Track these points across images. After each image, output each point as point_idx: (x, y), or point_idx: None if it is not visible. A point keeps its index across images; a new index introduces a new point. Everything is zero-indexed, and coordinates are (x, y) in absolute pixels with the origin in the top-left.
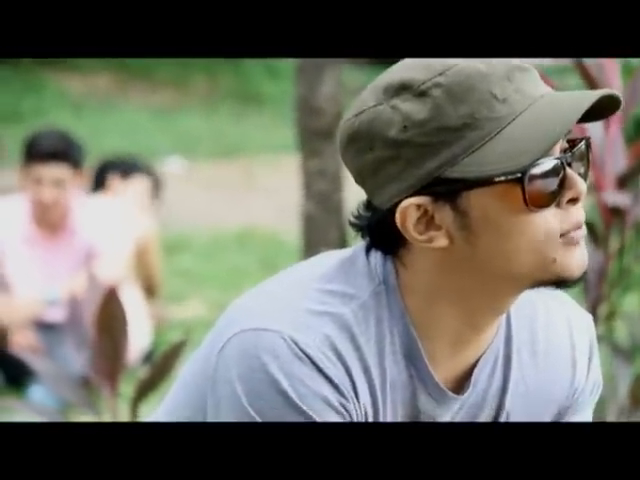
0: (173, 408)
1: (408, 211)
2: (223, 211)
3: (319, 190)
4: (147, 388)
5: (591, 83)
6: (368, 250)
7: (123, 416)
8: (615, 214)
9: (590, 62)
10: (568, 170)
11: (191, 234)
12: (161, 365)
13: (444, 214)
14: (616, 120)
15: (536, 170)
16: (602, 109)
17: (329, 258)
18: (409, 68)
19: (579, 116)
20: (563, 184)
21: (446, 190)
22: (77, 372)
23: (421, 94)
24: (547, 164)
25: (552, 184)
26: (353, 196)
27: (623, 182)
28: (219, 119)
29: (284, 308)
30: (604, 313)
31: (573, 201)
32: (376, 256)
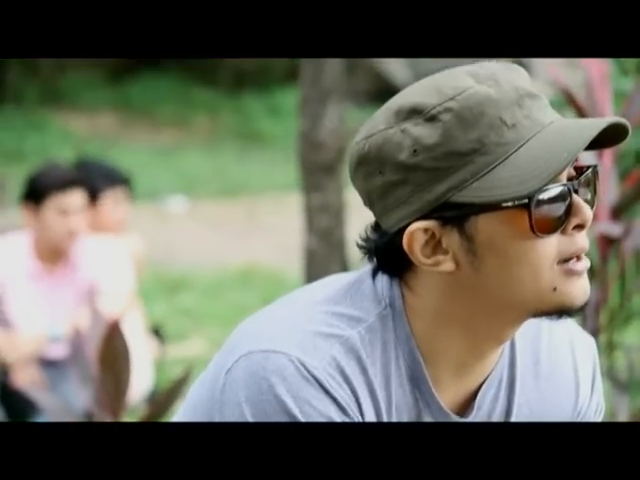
0: None
1: (415, 235)
2: (226, 249)
3: (321, 225)
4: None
5: (582, 115)
6: (374, 273)
7: None
8: (611, 245)
9: (580, 95)
10: (575, 197)
11: (194, 272)
12: (163, 401)
13: (451, 238)
14: (609, 151)
15: (543, 196)
16: (610, 137)
17: (335, 281)
18: (420, 92)
19: (586, 144)
20: (569, 211)
21: (454, 214)
22: (80, 407)
23: (432, 118)
24: (554, 190)
25: (559, 210)
26: (355, 231)
27: (617, 212)
28: (222, 158)
29: (291, 330)
30: (603, 345)
31: (579, 227)
32: (382, 280)
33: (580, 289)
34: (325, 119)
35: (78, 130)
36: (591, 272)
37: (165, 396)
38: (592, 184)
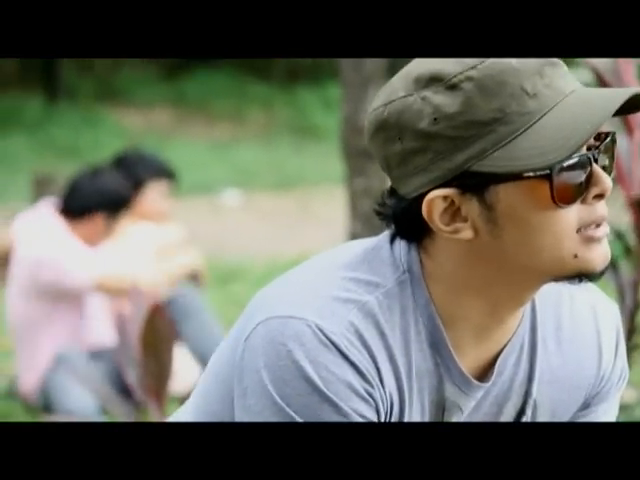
0: (202, 397)
1: (435, 202)
2: (279, 241)
3: (364, 210)
4: None
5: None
6: (392, 239)
7: None
8: None
9: (604, 68)
10: (595, 166)
11: (247, 264)
12: None
13: (471, 207)
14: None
15: (564, 167)
16: (630, 105)
17: (353, 247)
18: (439, 60)
19: (610, 115)
20: (589, 180)
21: (474, 183)
22: (127, 391)
23: (452, 87)
24: (575, 161)
25: (579, 180)
26: None
27: None
28: (276, 151)
29: (309, 296)
30: None
31: (599, 197)
32: (400, 245)
33: (601, 255)
34: (367, 104)
35: (132, 126)
36: (627, 250)
37: None
38: (610, 151)
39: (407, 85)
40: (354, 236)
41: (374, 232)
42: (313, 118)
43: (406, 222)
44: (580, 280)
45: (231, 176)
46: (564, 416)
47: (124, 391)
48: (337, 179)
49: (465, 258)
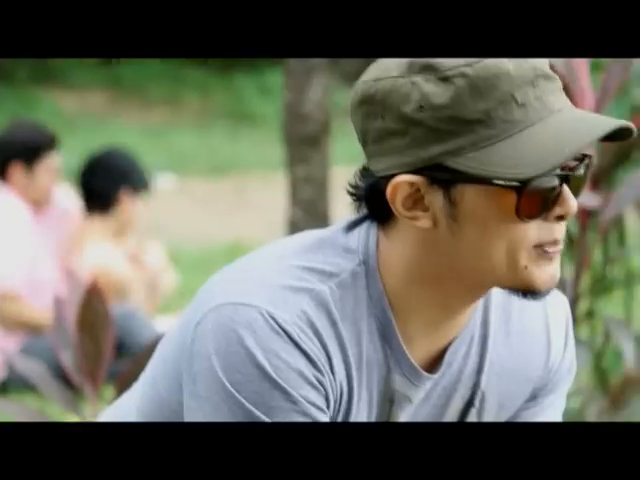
0: (150, 384)
1: (400, 186)
2: (214, 227)
3: (305, 197)
4: (127, 384)
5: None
6: (348, 229)
7: None
8: (591, 215)
9: (558, 61)
10: (564, 187)
11: (181, 249)
12: (142, 361)
13: (434, 198)
14: None
15: (535, 184)
16: (613, 135)
17: (309, 236)
18: None
19: (592, 142)
20: (556, 200)
21: (443, 177)
22: (62, 373)
23: (444, 79)
24: (547, 180)
25: (546, 199)
26: (339, 203)
27: (597, 180)
28: (212, 137)
29: (262, 283)
30: (581, 313)
31: (560, 218)
32: (358, 236)
33: (549, 274)
34: (310, 92)
35: (68, 108)
36: (570, 241)
37: (144, 355)
38: (583, 174)
39: (400, 67)
40: (293, 223)
41: (314, 220)
42: (250, 105)
43: (372, 200)
44: (524, 295)
45: (166, 161)
46: (511, 407)
47: (60, 373)
48: (273, 166)
49: (420, 246)
